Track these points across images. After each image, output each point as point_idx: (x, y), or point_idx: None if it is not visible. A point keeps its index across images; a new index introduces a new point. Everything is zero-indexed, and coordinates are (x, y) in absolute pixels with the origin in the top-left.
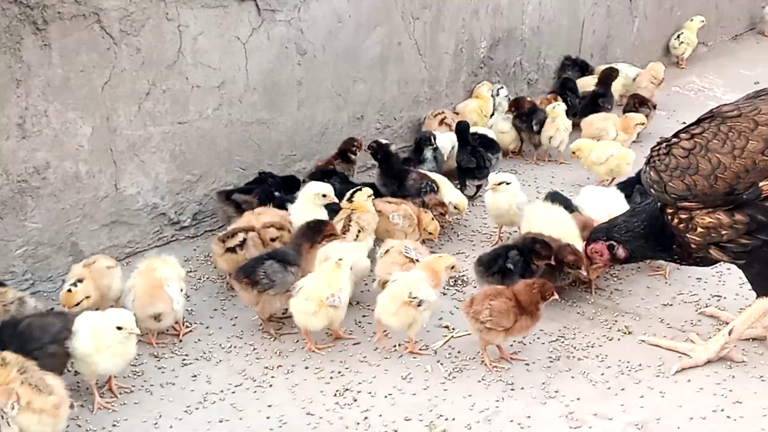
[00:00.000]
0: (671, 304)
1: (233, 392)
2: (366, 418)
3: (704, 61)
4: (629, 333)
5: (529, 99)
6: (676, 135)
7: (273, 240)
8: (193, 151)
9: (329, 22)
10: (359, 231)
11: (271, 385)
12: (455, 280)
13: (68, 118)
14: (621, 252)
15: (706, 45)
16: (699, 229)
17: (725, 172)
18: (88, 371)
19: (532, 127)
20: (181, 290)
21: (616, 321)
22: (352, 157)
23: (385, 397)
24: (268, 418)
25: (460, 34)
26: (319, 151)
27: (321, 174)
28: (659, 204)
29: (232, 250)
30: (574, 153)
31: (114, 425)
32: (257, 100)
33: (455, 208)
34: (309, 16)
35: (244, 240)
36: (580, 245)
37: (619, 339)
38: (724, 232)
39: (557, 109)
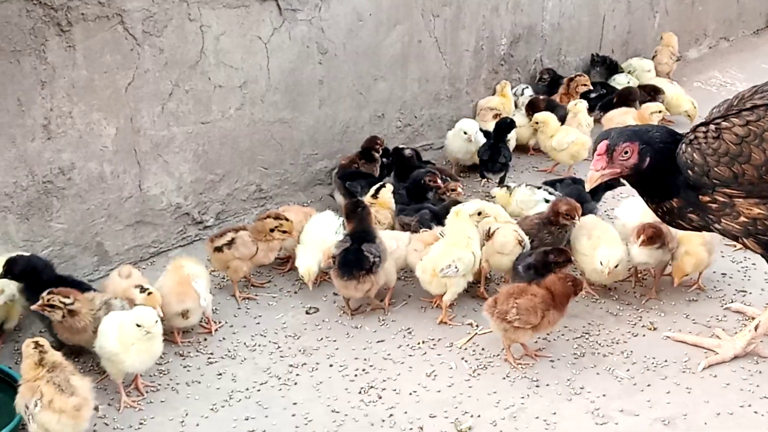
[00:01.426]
0: (696, 300)
1: (258, 390)
2: (391, 415)
3: (726, 56)
4: (654, 329)
5: (542, 97)
6: (725, 118)
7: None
8: (215, 150)
9: (350, 21)
10: (377, 224)
11: (295, 383)
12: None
13: (93, 119)
14: (647, 161)
15: (728, 40)
16: (742, 218)
17: None
18: (115, 370)
19: None
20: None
21: (640, 317)
22: (376, 155)
23: (410, 394)
24: (293, 415)
25: (480, 31)
26: (341, 149)
27: (349, 175)
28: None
29: (219, 249)
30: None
31: (141, 423)
32: (279, 100)
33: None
34: (330, 15)
35: (233, 239)
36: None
37: (644, 335)
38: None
39: (578, 106)
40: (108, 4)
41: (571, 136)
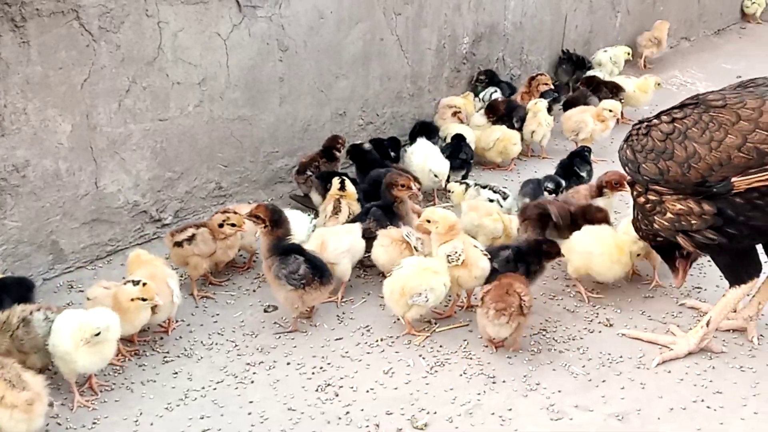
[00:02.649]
0: (652, 297)
1: (214, 389)
2: (348, 413)
3: (687, 55)
4: (610, 325)
5: (501, 99)
6: (657, 116)
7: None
8: (174, 148)
9: (310, 18)
10: (349, 215)
11: (252, 382)
12: None
13: (48, 116)
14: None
15: (688, 40)
16: (669, 215)
17: (699, 162)
18: (67, 369)
19: (513, 126)
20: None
21: (597, 314)
22: (337, 154)
23: (367, 391)
24: (249, 414)
25: (442, 29)
26: (302, 147)
27: (327, 175)
28: (633, 185)
29: (179, 244)
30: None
31: (94, 423)
32: (239, 97)
33: (435, 176)
34: (290, 12)
35: (193, 235)
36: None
37: (600, 331)
38: (693, 222)
39: (538, 105)
40: (63, 0)
41: (496, 134)
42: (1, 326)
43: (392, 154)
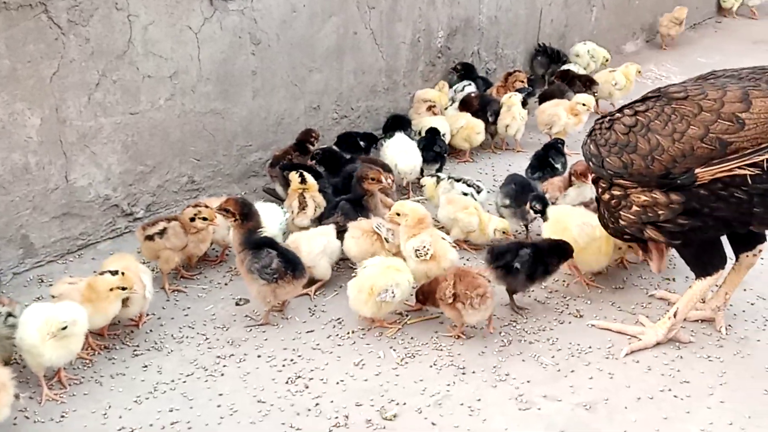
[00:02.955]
0: (622, 288)
1: (184, 382)
2: (317, 404)
3: (662, 49)
4: (580, 316)
5: (475, 94)
6: (620, 110)
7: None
8: (145, 141)
9: (283, 12)
10: (316, 207)
11: (222, 374)
12: None
13: (16, 109)
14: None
15: None
16: (635, 207)
17: (663, 154)
18: (34, 362)
19: (487, 119)
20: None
21: (567, 305)
22: (311, 148)
23: (337, 383)
24: (218, 406)
25: (417, 23)
26: (275, 141)
27: (292, 167)
28: (598, 182)
29: (150, 238)
30: None
31: (63, 416)
32: (211, 90)
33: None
34: (262, 5)
35: (165, 229)
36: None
37: (570, 322)
38: (660, 212)
39: (513, 98)
40: None
41: (461, 121)
42: None
43: (362, 144)
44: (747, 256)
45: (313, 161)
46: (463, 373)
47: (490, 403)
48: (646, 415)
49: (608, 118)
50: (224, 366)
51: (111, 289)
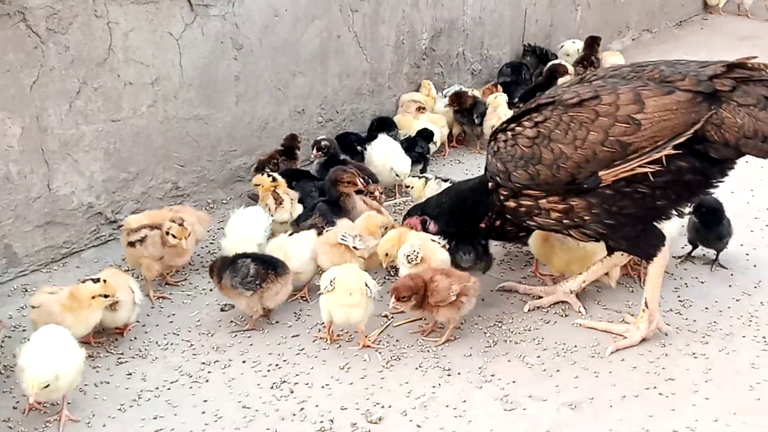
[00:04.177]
0: (607, 287)
1: (168, 389)
2: (302, 409)
3: (649, 47)
4: (566, 315)
5: (471, 95)
6: (518, 122)
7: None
8: (128, 149)
9: (265, 16)
10: (291, 200)
11: (207, 381)
12: (396, 270)
13: None
14: (432, 227)
15: (650, 32)
16: (555, 214)
17: (567, 162)
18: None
19: (473, 120)
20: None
21: (553, 305)
22: (297, 153)
23: (322, 387)
24: (203, 413)
25: (400, 25)
26: (260, 146)
27: (292, 173)
28: (503, 196)
29: (131, 244)
30: None
31: (46, 425)
32: (193, 96)
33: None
34: (244, 10)
35: (145, 237)
36: None
37: (555, 322)
38: (585, 216)
39: (498, 99)
40: (9, 2)
41: (425, 123)
42: None
43: (359, 148)
44: (622, 254)
45: (319, 152)
46: (449, 375)
47: (475, 404)
48: (632, 413)
49: (510, 133)
50: (209, 372)
51: (93, 297)
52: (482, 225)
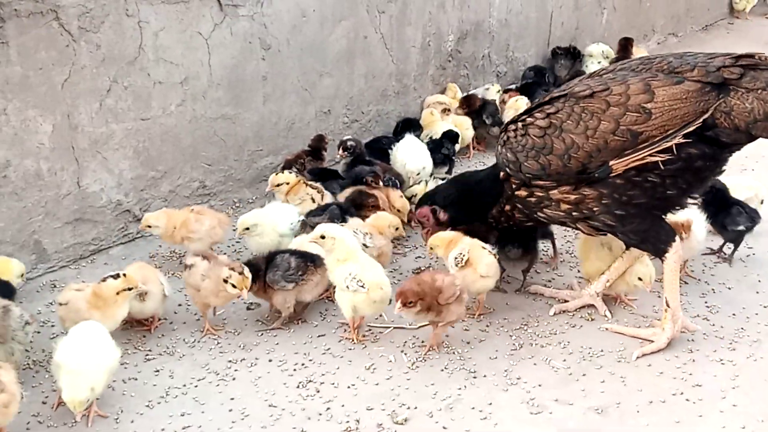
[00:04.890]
0: (633, 292)
1: (196, 386)
2: (328, 408)
3: (674, 51)
4: (592, 320)
5: (480, 96)
6: (530, 114)
7: None
8: (157, 147)
9: (293, 17)
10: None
11: (234, 378)
12: (420, 271)
13: (28, 116)
14: (442, 215)
15: (676, 36)
16: (564, 205)
17: (578, 152)
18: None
19: (484, 121)
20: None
21: (578, 308)
22: (324, 153)
23: (348, 387)
24: (230, 410)
25: (426, 27)
26: (286, 146)
27: (320, 173)
28: (515, 185)
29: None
30: None
31: (75, 421)
32: (222, 96)
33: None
34: (272, 10)
35: (192, 265)
36: None
37: (581, 326)
38: (594, 207)
39: (519, 102)
40: (42, 0)
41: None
42: None
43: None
44: None
45: (345, 152)
46: (474, 377)
47: (501, 406)
48: (659, 419)
49: (521, 124)
50: (236, 370)
51: (118, 293)
52: (492, 212)
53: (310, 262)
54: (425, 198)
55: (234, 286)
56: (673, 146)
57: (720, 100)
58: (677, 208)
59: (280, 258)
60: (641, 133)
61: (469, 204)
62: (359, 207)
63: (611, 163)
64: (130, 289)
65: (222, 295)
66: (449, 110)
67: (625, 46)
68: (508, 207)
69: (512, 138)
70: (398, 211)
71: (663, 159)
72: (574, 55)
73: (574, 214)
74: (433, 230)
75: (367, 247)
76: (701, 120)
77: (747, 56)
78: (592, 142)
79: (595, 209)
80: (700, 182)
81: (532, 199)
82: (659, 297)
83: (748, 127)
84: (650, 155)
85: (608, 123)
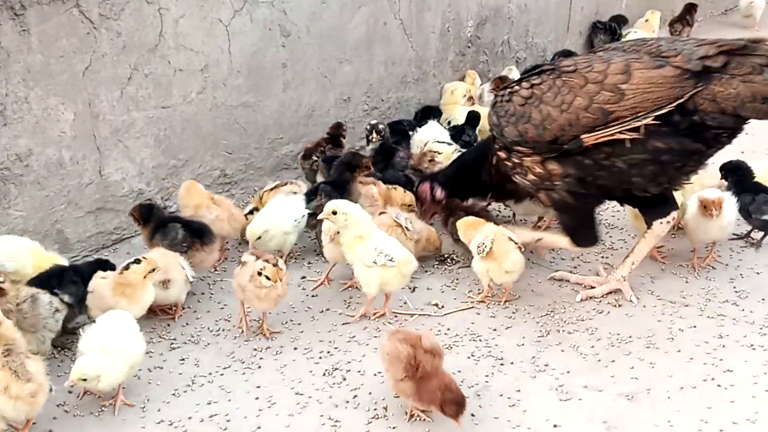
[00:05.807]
0: (661, 277)
1: (221, 374)
2: (355, 396)
3: (694, 36)
4: (619, 306)
5: (513, 79)
6: (519, 82)
7: None
8: (177, 135)
9: (313, 3)
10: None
11: (259, 367)
12: (444, 258)
13: (50, 104)
14: (439, 192)
15: (696, 20)
16: (530, 176)
17: (552, 123)
18: None
19: None
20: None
21: (605, 295)
22: (343, 141)
23: (375, 375)
24: (256, 399)
25: (446, 13)
26: (306, 133)
27: (332, 159)
28: (498, 147)
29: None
30: None
31: (101, 410)
32: (242, 83)
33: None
34: None
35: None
36: None
37: (608, 312)
38: (557, 183)
39: None
40: None
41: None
42: (13, 290)
43: (411, 134)
44: (661, 223)
45: (378, 135)
46: (502, 364)
47: (529, 393)
48: (690, 404)
49: (508, 90)
50: (261, 359)
51: (144, 276)
52: (485, 179)
53: (197, 237)
54: (428, 176)
55: (268, 278)
56: (643, 128)
57: (699, 87)
58: (643, 194)
59: (171, 226)
60: (612, 113)
61: (463, 178)
62: (353, 168)
63: (583, 137)
64: (153, 270)
65: (263, 294)
66: (472, 98)
67: (689, 10)
68: (494, 162)
69: (498, 104)
70: (408, 206)
71: (631, 137)
72: (612, 31)
73: (538, 184)
74: (430, 208)
75: (408, 230)
76: (674, 104)
77: (733, 43)
78: (565, 116)
79: (556, 183)
80: (665, 175)
81: (509, 163)
82: (686, 282)
83: (736, 110)
84: (620, 132)
85: (582, 99)
